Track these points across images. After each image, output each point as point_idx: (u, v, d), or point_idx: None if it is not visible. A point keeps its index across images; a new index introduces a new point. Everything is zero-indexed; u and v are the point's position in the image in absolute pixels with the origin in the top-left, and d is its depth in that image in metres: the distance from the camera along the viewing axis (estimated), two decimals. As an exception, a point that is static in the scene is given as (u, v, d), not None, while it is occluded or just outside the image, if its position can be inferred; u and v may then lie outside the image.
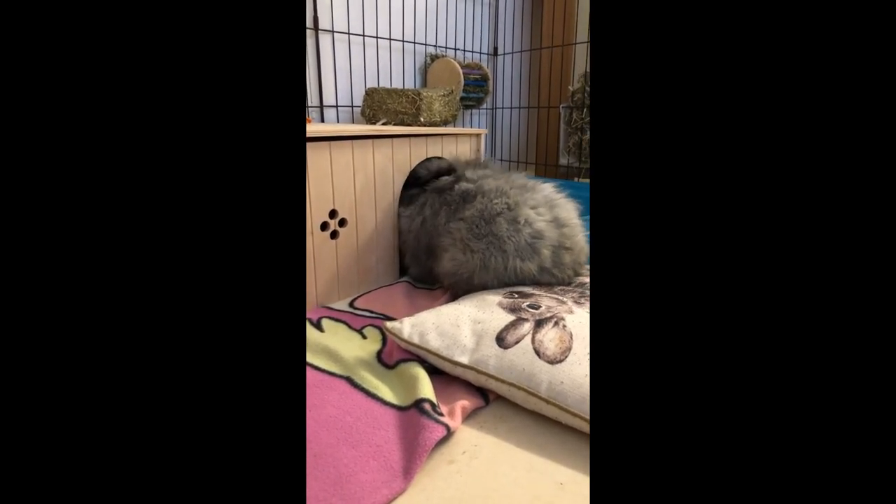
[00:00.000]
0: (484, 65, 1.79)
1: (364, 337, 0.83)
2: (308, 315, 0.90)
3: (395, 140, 1.03)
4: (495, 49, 1.98)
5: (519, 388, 0.62)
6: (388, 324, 0.77)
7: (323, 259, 0.95)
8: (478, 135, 1.27)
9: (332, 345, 0.78)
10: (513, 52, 2.01)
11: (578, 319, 0.70)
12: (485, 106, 1.89)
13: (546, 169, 1.98)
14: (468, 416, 0.62)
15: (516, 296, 0.79)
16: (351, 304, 0.97)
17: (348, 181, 0.96)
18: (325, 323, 0.88)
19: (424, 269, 1.04)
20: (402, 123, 1.28)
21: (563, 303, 0.76)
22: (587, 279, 0.89)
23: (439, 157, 1.13)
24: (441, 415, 0.59)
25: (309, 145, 0.87)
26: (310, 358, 0.75)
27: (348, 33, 1.45)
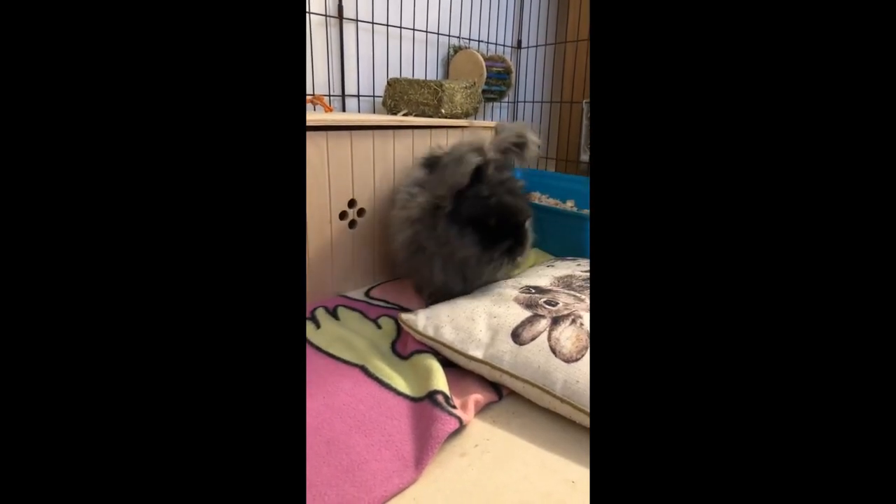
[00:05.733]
0: (507, 57, 1.77)
1: (379, 327, 0.83)
2: (324, 303, 0.91)
3: (415, 131, 1.03)
4: (519, 42, 1.96)
5: (533, 385, 0.61)
6: (403, 315, 0.77)
7: (340, 248, 0.96)
8: (495, 128, 1.25)
9: (346, 333, 0.79)
10: (537, 46, 1.99)
11: (596, 318, 0.69)
12: (507, 99, 1.87)
13: (567, 165, 1.96)
14: (481, 410, 0.62)
15: (533, 291, 0.79)
16: (367, 294, 0.98)
17: (368, 171, 0.96)
18: (341, 311, 0.88)
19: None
20: (423, 115, 1.27)
21: (581, 300, 0.75)
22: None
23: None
24: (454, 407, 0.59)
25: (329, 134, 0.88)
26: (324, 345, 0.76)
27: (372, 22, 1.45)
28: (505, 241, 0.79)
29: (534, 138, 0.81)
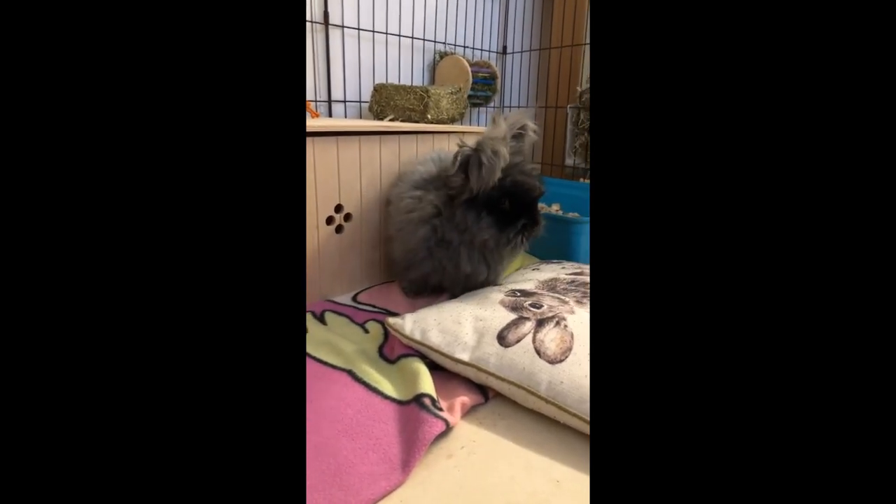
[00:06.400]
0: (493, 63, 1.79)
1: (366, 331, 0.84)
2: (311, 308, 0.91)
3: (402, 137, 1.04)
4: (504, 48, 1.98)
5: (519, 386, 0.62)
6: (390, 319, 0.77)
7: (327, 253, 0.96)
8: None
9: (334, 338, 0.79)
10: (521, 52, 2.01)
11: (580, 319, 0.70)
12: (492, 104, 1.89)
13: (552, 169, 1.98)
14: (467, 412, 0.63)
15: (518, 294, 0.80)
16: (354, 299, 0.98)
17: (354, 176, 0.97)
18: (328, 316, 0.88)
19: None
20: (409, 120, 1.28)
21: (565, 302, 0.76)
22: (589, 278, 0.89)
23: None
24: (441, 410, 0.59)
25: (316, 140, 0.88)
26: (312, 350, 0.76)
27: (358, 28, 1.46)
28: (519, 220, 0.82)
29: (532, 126, 0.85)
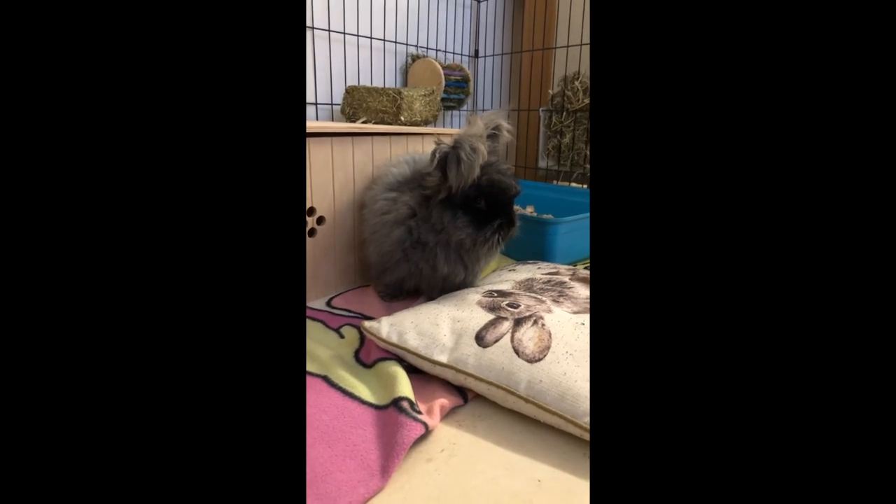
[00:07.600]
0: (465, 66, 1.79)
1: (341, 336, 0.82)
2: (284, 314, 0.89)
3: (375, 138, 1.03)
4: (476, 51, 1.99)
5: (498, 386, 0.62)
6: (366, 323, 0.76)
7: (300, 257, 0.94)
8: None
9: (309, 344, 0.77)
10: (493, 55, 2.03)
11: (557, 318, 0.70)
12: (465, 107, 1.90)
13: (525, 171, 2.00)
14: (447, 415, 0.62)
15: (495, 294, 0.80)
16: (328, 303, 0.96)
17: (327, 179, 0.95)
18: (302, 322, 0.86)
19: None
20: (382, 122, 1.27)
21: (542, 302, 0.76)
22: (565, 278, 0.90)
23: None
24: (419, 413, 0.58)
25: (287, 141, 0.86)
26: (286, 357, 0.74)
27: (329, 30, 1.44)
28: (496, 219, 0.82)
29: (507, 126, 0.85)
